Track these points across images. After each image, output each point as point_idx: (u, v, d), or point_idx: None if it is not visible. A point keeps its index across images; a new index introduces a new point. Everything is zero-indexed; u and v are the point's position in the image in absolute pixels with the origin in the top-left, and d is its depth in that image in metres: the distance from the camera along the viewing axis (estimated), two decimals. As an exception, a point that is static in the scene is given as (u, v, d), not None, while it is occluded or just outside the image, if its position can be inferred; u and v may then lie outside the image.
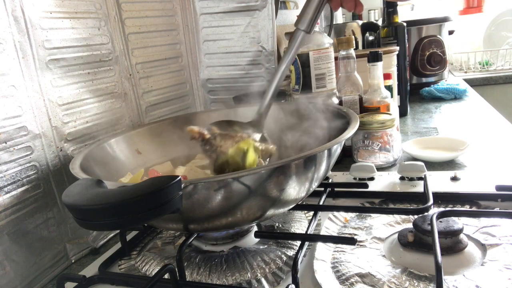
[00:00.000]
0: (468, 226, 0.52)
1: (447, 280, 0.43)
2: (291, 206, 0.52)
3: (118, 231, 0.63)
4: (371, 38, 1.58)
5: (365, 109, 0.89)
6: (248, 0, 0.89)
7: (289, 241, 0.55)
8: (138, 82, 0.81)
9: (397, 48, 1.07)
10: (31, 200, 0.57)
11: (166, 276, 0.46)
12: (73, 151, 0.64)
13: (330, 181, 0.70)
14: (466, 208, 0.59)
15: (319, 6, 0.54)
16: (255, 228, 0.59)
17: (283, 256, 0.51)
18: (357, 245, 0.52)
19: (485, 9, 2.14)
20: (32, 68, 0.58)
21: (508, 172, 0.67)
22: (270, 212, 0.48)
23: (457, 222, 0.50)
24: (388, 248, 0.51)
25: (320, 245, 0.52)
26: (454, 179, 0.68)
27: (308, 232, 0.53)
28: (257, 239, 0.56)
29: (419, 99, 1.47)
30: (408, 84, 1.27)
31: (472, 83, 1.83)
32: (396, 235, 0.53)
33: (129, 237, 0.62)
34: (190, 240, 0.52)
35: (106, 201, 0.34)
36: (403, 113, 1.22)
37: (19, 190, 0.55)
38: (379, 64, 0.88)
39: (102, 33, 0.72)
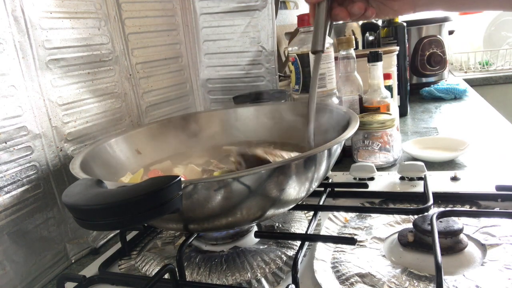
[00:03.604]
0: (468, 226, 0.52)
1: (447, 280, 0.43)
2: (291, 206, 0.52)
3: (118, 231, 0.63)
4: (371, 38, 1.58)
5: (365, 109, 0.89)
6: (248, 0, 0.89)
7: (289, 241, 0.55)
8: (138, 82, 0.81)
9: (397, 48, 1.07)
10: (31, 200, 0.57)
11: (166, 276, 0.46)
12: (73, 151, 0.64)
13: (330, 181, 0.70)
14: (466, 208, 0.59)
15: (326, 26, 0.54)
16: (255, 228, 0.59)
17: (283, 256, 0.51)
18: (357, 245, 0.52)
19: (485, 9, 2.13)
20: (32, 68, 0.58)
21: (508, 172, 0.67)
22: (270, 212, 0.48)
23: (457, 222, 0.50)
24: (388, 248, 0.51)
25: (320, 245, 0.52)
26: (454, 179, 0.68)
27: (308, 232, 0.53)
28: (257, 239, 0.56)
29: (419, 99, 1.47)
30: (408, 84, 1.27)
31: (472, 83, 1.83)
32: (396, 235, 0.53)
33: (129, 237, 0.62)
34: (190, 240, 0.52)
35: (106, 201, 0.34)
36: (403, 113, 1.22)
37: (19, 190, 0.55)
38: (379, 64, 0.88)
39: (102, 33, 0.72)
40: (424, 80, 1.57)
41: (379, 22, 1.48)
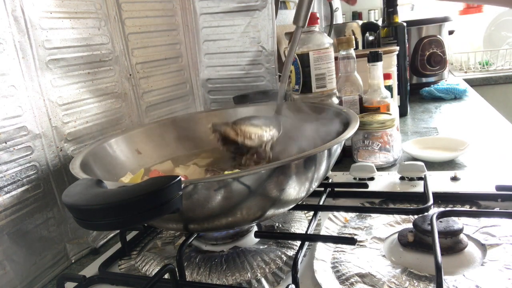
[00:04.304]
0: (468, 226, 0.52)
1: (447, 280, 0.43)
2: (291, 206, 0.52)
3: (118, 231, 0.63)
4: (371, 38, 1.58)
5: (365, 109, 0.89)
6: (248, 0, 0.89)
7: (289, 241, 0.55)
8: (138, 82, 0.81)
9: (397, 48, 1.07)
10: (31, 200, 0.57)
11: (166, 276, 0.46)
12: (73, 151, 0.64)
13: (330, 181, 0.70)
14: (466, 208, 0.59)
15: (309, 5, 0.61)
16: (255, 228, 0.59)
17: (283, 256, 0.51)
18: (357, 245, 0.52)
19: (485, 9, 2.14)
20: (32, 68, 0.58)
21: (508, 172, 0.67)
22: (270, 212, 0.48)
23: (457, 222, 0.50)
24: (388, 248, 0.51)
25: (320, 245, 0.52)
26: (454, 179, 0.68)
27: (308, 232, 0.53)
28: (257, 239, 0.56)
29: (419, 99, 1.47)
30: (408, 84, 1.27)
31: (472, 83, 1.83)
32: (396, 235, 0.53)
33: (129, 237, 0.62)
34: (190, 240, 0.52)
35: (106, 201, 0.34)
36: (403, 113, 1.22)
37: (19, 190, 0.55)
38: (379, 64, 0.88)
39: (102, 33, 0.72)
40: (424, 80, 1.57)
41: (379, 22, 1.48)
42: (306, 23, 0.62)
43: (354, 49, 0.89)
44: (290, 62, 0.65)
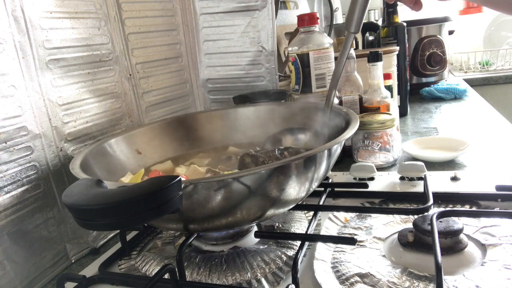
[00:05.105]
0: (468, 226, 0.52)
1: (447, 280, 0.43)
2: (291, 206, 0.52)
3: (118, 231, 0.63)
4: (371, 38, 1.58)
5: (365, 109, 0.89)
6: (248, 0, 0.89)
7: (289, 241, 0.55)
8: (138, 82, 0.81)
9: (397, 48, 1.07)
10: (31, 200, 0.57)
11: (166, 276, 0.46)
12: (73, 151, 0.64)
13: (330, 181, 0.70)
14: (466, 208, 0.59)
15: (363, 9, 0.56)
16: (255, 228, 0.59)
17: (283, 256, 0.51)
18: (357, 245, 0.52)
19: (485, 9, 2.13)
20: (32, 68, 0.58)
21: (508, 172, 0.67)
22: (270, 212, 0.48)
23: (457, 222, 0.50)
24: (388, 248, 0.51)
25: (320, 245, 0.52)
26: (454, 179, 0.68)
27: (308, 232, 0.53)
28: (257, 239, 0.56)
29: (419, 99, 1.47)
30: (408, 84, 1.27)
31: (472, 83, 1.83)
32: (396, 235, 0.53)
33: (129, 237, 0.62)
34: (190, 240, 0.52)
35: (106, 201, 0.34)
36: (403, 113, 1.22)
37: (19, 190, 0.55)
38: (379, 64, 0.88)
39: (102, 33, 0.72)
40: (424, 80, 1.57)
41: (379, 22, 1.48)
42: (360, 29, 0.58)
43: (354, 49, 0.89)
44: (340, 71, 0.62)
